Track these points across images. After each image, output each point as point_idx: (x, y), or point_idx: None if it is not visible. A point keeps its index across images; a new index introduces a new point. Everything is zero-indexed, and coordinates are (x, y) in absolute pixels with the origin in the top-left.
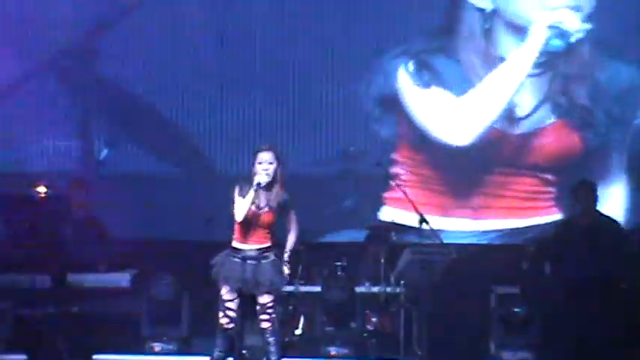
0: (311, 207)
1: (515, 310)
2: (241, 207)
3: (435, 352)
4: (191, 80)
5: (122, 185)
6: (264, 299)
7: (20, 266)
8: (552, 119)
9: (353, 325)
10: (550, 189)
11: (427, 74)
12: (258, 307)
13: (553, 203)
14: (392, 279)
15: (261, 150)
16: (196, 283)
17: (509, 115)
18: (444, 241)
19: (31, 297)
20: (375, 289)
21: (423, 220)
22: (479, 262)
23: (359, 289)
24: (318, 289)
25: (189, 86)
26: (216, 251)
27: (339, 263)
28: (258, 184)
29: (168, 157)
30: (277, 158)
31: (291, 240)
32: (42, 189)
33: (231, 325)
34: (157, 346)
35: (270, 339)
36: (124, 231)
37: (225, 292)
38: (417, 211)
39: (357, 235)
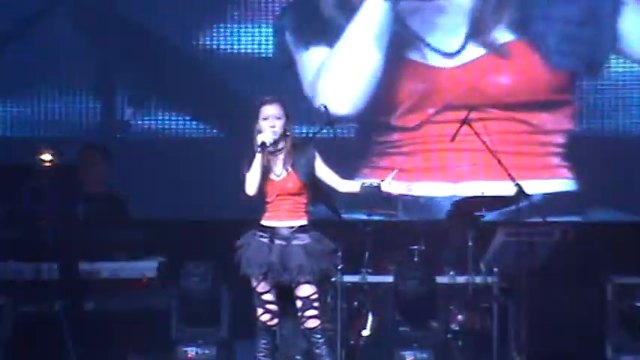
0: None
1: (638, 304)
2: (250, 177)
3: (537, 357)
4: (238, 22)
5: (149, 152)
6: (304, 291)
7: (20, 253)
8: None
9: (434, 324)
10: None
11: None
12: (298, 302)
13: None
14: (482, 266)
15: (265, 102)
16: (239, 274)
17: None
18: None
19: (36, 291)
20: (462, 280)
21: (521, 192)
22: (592, 244)
23: (441, 280)
24: (389, 279)
25: (235, 31)
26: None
27: (415, 247)
28: (263, 144)
29: (207, 118)
30: (286, 113)
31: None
32: (47, 156)
33: (274, 322)
34: (191, 351)
35: (319, 341)
36: (150, 209)
37: (257, 282)
38: (512, 179)
39: (437, 213)
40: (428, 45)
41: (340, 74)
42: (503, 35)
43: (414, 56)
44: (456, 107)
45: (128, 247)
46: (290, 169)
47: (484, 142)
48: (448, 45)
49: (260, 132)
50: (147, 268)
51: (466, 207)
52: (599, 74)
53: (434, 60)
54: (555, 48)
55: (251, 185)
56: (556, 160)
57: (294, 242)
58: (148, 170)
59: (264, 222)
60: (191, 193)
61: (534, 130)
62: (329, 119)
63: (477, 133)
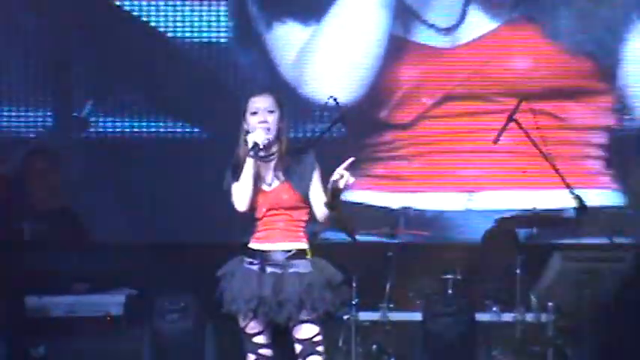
0: None
1: None
2: (239, 188)
3: None
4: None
5: (112, 157)
6: (305, 332)
7: None
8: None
9: None
10: None
11: None
12: (297, 346)
13: None
14: (533, 300)
15: (253, 93)
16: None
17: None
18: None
19: None
20: (508, 317)
21: (581, 206)
22: None
23: (481, 317)
24: (417, 317)
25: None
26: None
27: (449, 276)
28: (255, 145)
29: (184, 114)
30: (280, 106)
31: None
32: None
33: None
34: None
35: None
36: (114, 229)
37: (245, 322)
38: (570, 190)
39: (475, 233)
40: (424, 21)
41: (328, 57)
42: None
43: (409, 35)
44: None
45: (87, 277)
46: (283, 178)
47: (535, 142)
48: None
49: (248, 131)
50: (111, 303)
51: (512, 225)
52: None
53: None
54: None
55: (241, 198)
56: (595, 164)
57: (292, 270)
58: (112, 180)
59: (252, 245)
60: (167, 209)
61: (562, 125)
62: (339, 115)
63: (525, 131)
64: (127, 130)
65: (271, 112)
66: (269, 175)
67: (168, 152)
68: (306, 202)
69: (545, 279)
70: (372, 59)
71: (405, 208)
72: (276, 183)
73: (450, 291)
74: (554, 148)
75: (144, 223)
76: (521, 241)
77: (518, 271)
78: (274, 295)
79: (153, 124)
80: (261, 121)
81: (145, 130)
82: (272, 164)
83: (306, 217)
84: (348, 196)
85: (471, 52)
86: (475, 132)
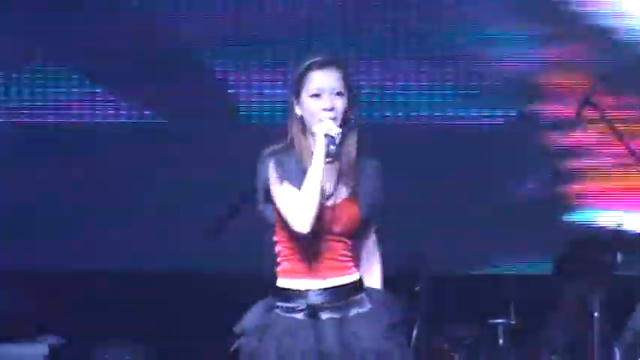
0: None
1: None
2: (306, 200)
3: None
4: None
5: (32, 150)
6: None
7: None
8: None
9: None
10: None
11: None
12: None
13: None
14: (618, 353)
15: (315, 66)
16: None
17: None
18: None
19: None
20: None
21: None
22: None
23: None
24: None
25: None
26: (247, 298)
27: (500, 320)
28: (330, 139)
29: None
30: (348, 84)
31: (374, 269)
32: None
33: None
34: None
35: None
36: (33, 253)
37: None
38: None
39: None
40: None
41: None
42: None
43: None
44: None
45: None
46: (349, 191)
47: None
48: None
49: (314, 119)
50: (31, 356)
51: (590, 250)
52: None
53: None
54: None
55: (307, 214)
56: None
57: (354, 312)
58: (32, 181)
59: (289, 283)
60: (116, 226)
61: None
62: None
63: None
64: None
65: (340, 93)
66: (328, 185)
67: (116, 141)
68: (362, 219)
69: (635, 324)
70: None
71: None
72: (338, 197)
73: (501, 341)
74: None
75: (74, 244)
76: (603, 271)
77: (596, 314)
78: (343, 346)
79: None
80: (327, 107)
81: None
82: (334, 168)
83: (358, 238)
84: None
85: None
86: None
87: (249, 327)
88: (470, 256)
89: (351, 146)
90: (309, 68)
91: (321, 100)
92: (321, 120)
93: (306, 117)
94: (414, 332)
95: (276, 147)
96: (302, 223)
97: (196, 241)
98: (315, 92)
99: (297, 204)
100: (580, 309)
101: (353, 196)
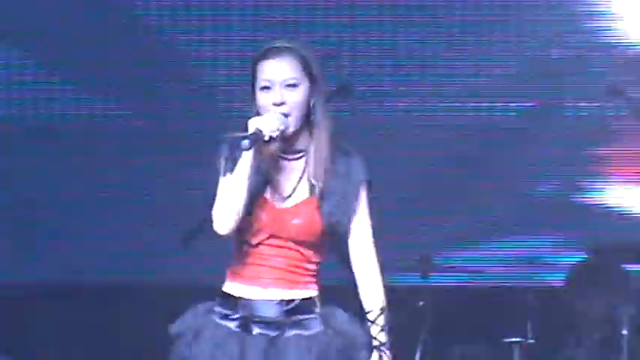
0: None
1: None
2: (225, 197)
3: None
4: None
5: None
6: None
7: None
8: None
9: None
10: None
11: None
12: None
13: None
14: None
15: (268, 54)
16: None
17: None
18: None
19: None
20: None
21: None
22: None
23: None
24: None
25: None
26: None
27: (515, 340)
28: (254, 135)
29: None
30: (309, 72)
31: (373, 285)
32: None
33: None
34: None
35: None
36: None
37: None
38: None
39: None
40: None
41: None
42: None
43: None
44: None
45: None
46: (312, 191)
47: None
48: None
49: (258, 113)
50: None
51: (617, 259)
52: None
53: None
54: None
55: (224, 213)
56: None
57: (293, 333)
58: None
59: (230, 287)
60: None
61: None
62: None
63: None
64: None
65: (292, 86)
66: (288, 184)
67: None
68: (331, 235)
69: None
70: None
71: None
72: (298, 197)
73: None
74: None
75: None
76: (633, 282)
77: (625, 332)
78: None
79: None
80: (276, 102)
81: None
82: (297, 167)
83: (320, 259)
84: None
85: None
86: None
87: (178, 330)
88: (481, 264)
89: (321, 141)
90: (262, 57)
91: (271, 93)
92: (264, 109)
93: (261, 113)
94: (418, 355)
95: (239, 133)
96: (217, 224)
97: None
98: (264, 85)
99: (218, 201)
100: (606, 326)
101: (315, 197)
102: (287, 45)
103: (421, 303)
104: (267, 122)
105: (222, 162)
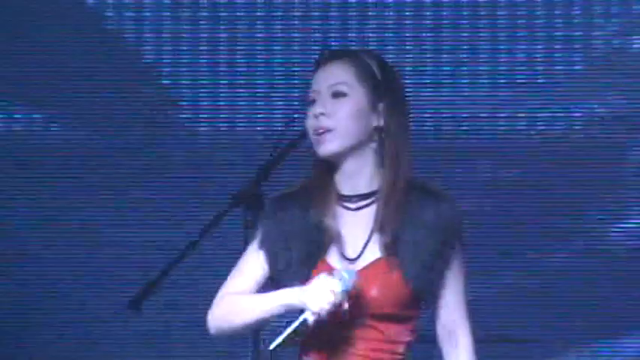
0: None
1: None
2: (244, 311)
3: None
4: None
5: None
6: None
7: None
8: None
9: None
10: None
11: None
12: None
13: None
14: None
15: (320, 61)
16: None
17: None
18: None
19: None
20: None
21: None
22: None
23: None
24: None
25: None
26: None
27: None
28: (292, 334)
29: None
30: (372, 81)
31: None
32: None
33: None
34: None
35: None
36: None
37: None
38: None
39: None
40: None
41: None
42: None
43: None
44: None
45: None
46: (387, 249)
47: None
48: None
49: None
50: None
51: None
52: None
53: None
54: None
55: (231, 326)
56: None
57: None
58: None
59: None
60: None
61: None
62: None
63: None
64: None
65: (340, 94)
66: (355, 240)
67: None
68: (420, 304)
69: None
70: None
71: None
72: (367, 258)
73: None
74: None
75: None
76: None
77: None
78: None
79: None
80: (315, 113)
81: None
82: (366, 216)
83: (409, 338)
84: None
85: None
86: None
87: None
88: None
89: (396, 178)
90: (313, 70)
91: (314, 106)
92: (315, 140)
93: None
94: None
95: (288, 189)
96: (213, 324)
97: None
98: (310, 99)
99: (231, 301)
100: None
101: (388, 257)
102: (343, 49)
103: None
104: (316, 299)
105: (260, 234)
